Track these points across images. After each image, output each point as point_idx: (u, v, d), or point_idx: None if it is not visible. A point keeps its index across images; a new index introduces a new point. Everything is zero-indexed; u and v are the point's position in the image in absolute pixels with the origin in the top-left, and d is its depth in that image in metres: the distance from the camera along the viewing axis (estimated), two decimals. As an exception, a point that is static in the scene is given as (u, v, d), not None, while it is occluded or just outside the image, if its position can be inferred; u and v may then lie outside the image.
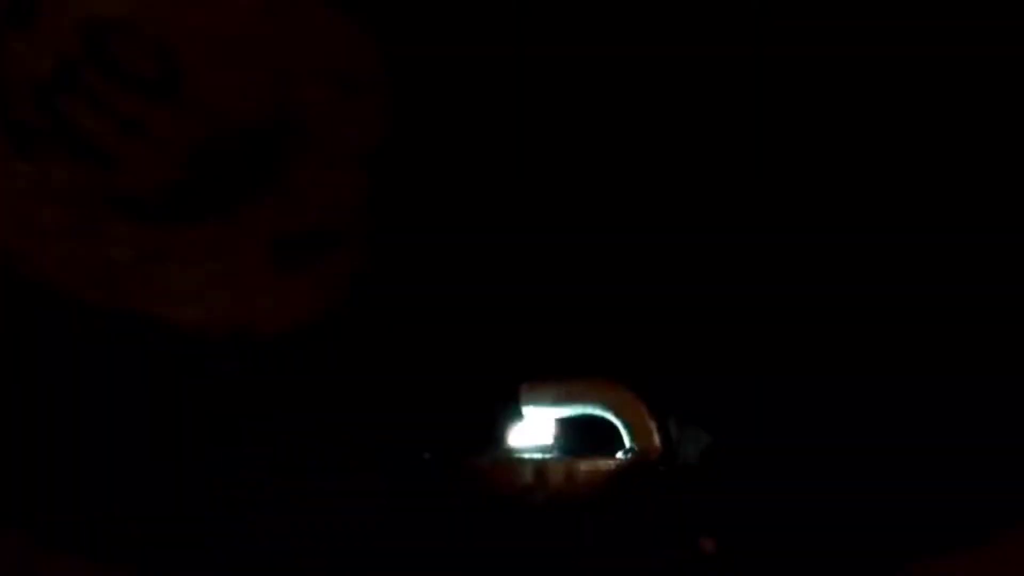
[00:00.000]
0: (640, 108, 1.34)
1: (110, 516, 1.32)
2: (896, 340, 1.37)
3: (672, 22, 1.30)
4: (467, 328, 1.39)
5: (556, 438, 1.42)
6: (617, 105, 1.34)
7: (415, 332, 1.38)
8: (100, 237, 1.28)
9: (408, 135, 1.31)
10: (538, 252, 1.39)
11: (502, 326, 1.38)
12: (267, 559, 1.33)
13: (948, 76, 1.31)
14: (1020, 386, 1.36)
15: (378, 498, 1.33)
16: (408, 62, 1.29)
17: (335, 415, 1.37)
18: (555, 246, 1.39)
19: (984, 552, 1.32)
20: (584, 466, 1.34)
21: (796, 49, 1.29)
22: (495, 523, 1.32)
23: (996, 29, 1.28)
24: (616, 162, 1.36)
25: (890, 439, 1.37)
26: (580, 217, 1.39)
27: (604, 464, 1.35)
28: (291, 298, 1.33)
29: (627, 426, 1.39)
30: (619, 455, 1.37)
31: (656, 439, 1.38)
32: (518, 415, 1.41)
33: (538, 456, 1.38)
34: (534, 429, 1.42)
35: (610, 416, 1.40)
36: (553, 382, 1.41)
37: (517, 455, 1.39)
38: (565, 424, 1.42)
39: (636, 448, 1.37)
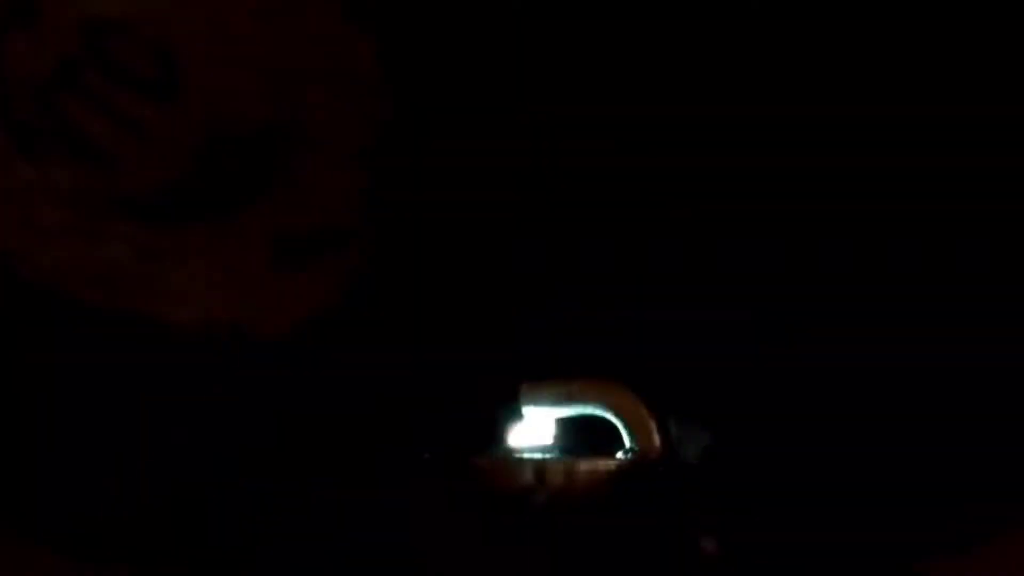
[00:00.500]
0: (645, 108, 1.35)
1: (108, 517, 1.32)
2: (896, 340, 1.37)
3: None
4: (467, 328, 1.39)
5: (556, 438, 1.42)
6: (620, 103, 1.34)
7: (415, 332, 1.38)
8: (100, 237, 1.28)
9: (408, 135, 1.31)
10: (538, 252, 1.39)
11: (502, 326, 1.38)
12: (267, 559, 1.32)
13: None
14: (1020, 386, 1.36)
15: (378, 498, 1.32)
16: (408, 62, 1.29)
17: (335, 415, 1.37)
18: (555, 246, 1.39)
19: (984, 552, 1.32)
20: (584, 466, 1.34)
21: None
22: (495, 523, 1.32)
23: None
24: (616, 162, 1.36)
25: (890, 439, 1.37)
26: (580, 217, 1.39)
27: (604, 464, 1.35)
28: (291, 298, 1.33)
29: (627, 426, 1.38)
30: (619, 455, 1.37)
31: (656, 439, 1.38)
32: (518, 415, 1.41)
33: (538, 456, 1.38)
34: (534, 429, 1.42)
35: (610, 416, 1.39)
36: (553, 382, 1.41)
37: (517, 455, 1.39)
38: (565, 424, 1.42)
39: (636, 448, 1.37)
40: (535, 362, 1.41)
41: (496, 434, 1.41)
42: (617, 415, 1.39)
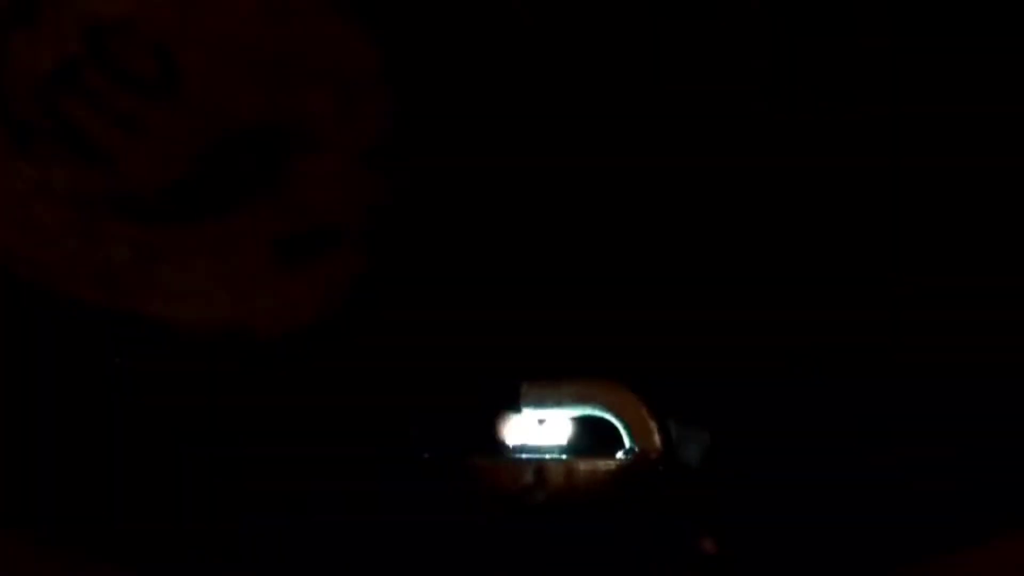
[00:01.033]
0: (644, 121, 1.35)
1: (109, 516, 1.32)
2: (896, 340, 1.37)
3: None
4: (467, 328, 1.39)
5: (556, 438, 1.42)
6: (620, 103, 1.34)
7: (415, 332, 1.38)
8: (100, 237, 1.28)
9: (408, 135, 1.31)
10: (538, 252, 1.39)
11: (502, 326, 1.38)
12: (267, 560, 1.33)
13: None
14: (1020, 386, 1.36)
15: (378, 498, 1.33)
16: (408, 63, 1.29)
17: (334, 415, 1.37)
18: (555, 246, 1.39)
19: (984, 552, 1.32)
20: (584, 466, 1.34)
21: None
22: (495, 523, 1.32)
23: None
24: (616, 162, 1.36)
25: (890, 439, 1.37)
26: (580, 217, 1.39)
27: (604, 464, 1.35)
28: (291, 298, 1.33)
29: (627, 426, 1.38)
30: (619, 455, 1.37)
31: (656, 439, 1.38)
32: (518, 415, 1.41)
33: (538, 456, 1.38)
34: (534, 429, 1.42)
35: (610, 416, 1.39)
36: (553, 382, 1.41)
37: (517, 455, 1.39)
38: (565, 424, 1.42)
39: (636, 448, 1.37)
40: (535, 362, 1.41)
41: (496, 434, 1.41)
42: (617, 415, 1.39)
